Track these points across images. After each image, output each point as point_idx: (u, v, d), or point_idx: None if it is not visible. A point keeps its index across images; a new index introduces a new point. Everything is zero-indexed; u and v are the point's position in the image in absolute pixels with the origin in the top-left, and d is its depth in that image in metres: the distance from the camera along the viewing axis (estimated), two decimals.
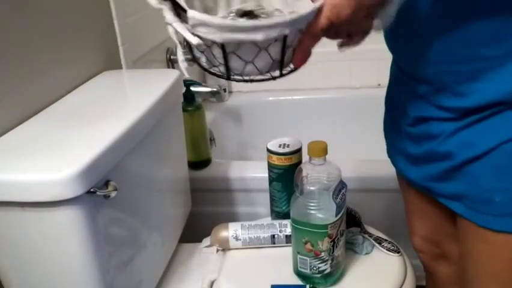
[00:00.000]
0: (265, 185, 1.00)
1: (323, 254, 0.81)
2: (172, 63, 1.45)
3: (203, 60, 0.56)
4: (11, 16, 0.76)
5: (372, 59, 1.74)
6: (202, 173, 1.32)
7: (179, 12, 0.52)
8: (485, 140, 0.64)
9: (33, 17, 0.82)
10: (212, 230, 1.00)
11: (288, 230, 0.94)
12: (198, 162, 1.33)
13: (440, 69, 0.65)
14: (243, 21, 0.52)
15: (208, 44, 0.53)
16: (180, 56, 0.57)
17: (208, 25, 0.50)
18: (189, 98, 1.26)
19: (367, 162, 1.30)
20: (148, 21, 1.29)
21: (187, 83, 1.30)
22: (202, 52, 0.55)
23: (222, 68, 0.55)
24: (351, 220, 0.96)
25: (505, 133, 0.62)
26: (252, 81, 0.57)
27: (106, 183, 0.67)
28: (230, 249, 0.97)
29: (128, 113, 0.78)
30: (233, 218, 1.33)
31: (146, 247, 0.85)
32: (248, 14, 0.60)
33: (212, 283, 0.92)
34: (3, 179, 0.62)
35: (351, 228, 0.95)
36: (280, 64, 0.55)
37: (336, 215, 0.79)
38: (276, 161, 0.95)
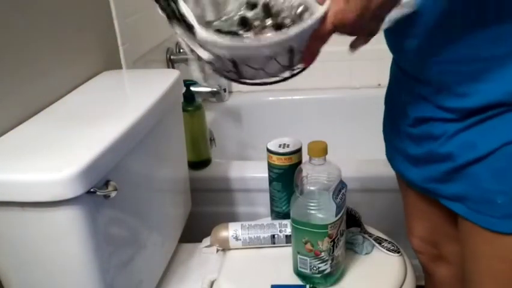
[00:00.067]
0: (265, 185, 1.00)
1: (323, 254, 0.81)
2: (172, 63, 1.45)
3: (217, 65, 0.57)
4: (11, 16, 0.76)
5: (372, 59, 1.73)
6: (202, 173, 1.32)
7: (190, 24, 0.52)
8: (487, 142, 0.64)
9: (33, 17, 0.82)
10: (212, 230, 1.00)
11: (288, 230, 0.94)
12: (198, 162, 1.33)
13: (442, 70, 0.65)
14: (248, 40, 0.53)
15: (219, 56, 0.54)
16: (195, 71, 0.59)
17: (214, 44, 0.51)
18: (189, 98, 1.26)
19: (367, 162, 1.30)
20: (148, 21, 1.29)
21: (187, 83, 1.30)
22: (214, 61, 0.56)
23: (234, 75, 0.57)
24: (351, 220, 0.96)
25: (507, 135, 0.62)
26: (264, 84, 0.58)
27: (106, 183, 0.67)
28: (230, 249, 0.97)
29: (128, 113, 0.78)
30: (233, 218, 1.33)
31: (146, 247, 0.85)
32: (256, 6, 0.60)
33: (212, 283, 0.92)
34: (3, 179, 0.62)
35: (351, 228, 0.95)
36: (290, 67, 0.57)
37: (336, 215, 0.79)
38: (276, 161, 0.95)
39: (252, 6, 0.60)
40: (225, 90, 1.78)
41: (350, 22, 0.52)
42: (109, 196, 0.68)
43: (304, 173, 0.81)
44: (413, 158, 0.77)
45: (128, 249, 0.78)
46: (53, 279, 0.69)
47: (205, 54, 0.53)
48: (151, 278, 0.89)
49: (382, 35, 0.75)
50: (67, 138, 0.71)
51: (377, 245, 0.93)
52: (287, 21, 0.57)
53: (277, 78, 0.58)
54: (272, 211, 1.02)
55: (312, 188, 0.81)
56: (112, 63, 1.09)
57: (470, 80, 0.63)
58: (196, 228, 1.09)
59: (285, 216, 0.98)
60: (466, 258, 0.74)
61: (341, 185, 0.82)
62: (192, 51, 0.55)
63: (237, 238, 0.95)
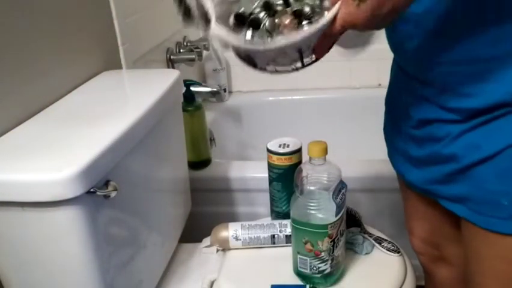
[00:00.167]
0: (265, 185, 1.00)
1: (323, 254, 0.81)
2: (172, 63, 1.45)
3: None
4: (11, 16, 0.76)
5: (372, 59, 1.73)
6: (202, 173, 1.32)
7: None
8: (492, 143, 0.63)
9: (33, 17, 0.82)
10: (212, 230, 1.00)
11: (288, 230, 0.94)
12: (198, 162, 1.33)
13: (445, 70, 0.65)
14: (256, 43, 0.55)
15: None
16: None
17: (225, 42, 0.54)
18: (189, 98, 1.26)
19: (367, 162, 1.30)
20: (148, 21, 1.29)
21: (187, 83, 1.30)
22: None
23: (249, 63, 0.59)
24: (351, 220, 0.96)
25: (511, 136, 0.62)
26: (276, 72, 0.60)
27: (106, 183, 0.67)
28: (230, 249, 0.97)
29: (128, 113, 0.78)
30: (233, 218, 1.33)
31: (146, 247, 0.85)
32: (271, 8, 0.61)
33: (212, 283, 0.92)
34: (3, 179, 0.62)
35: (351, 228, 0.95)
36: (301, 60, 0.58)
37: (336, 215, 0.79)
38: (276, 161, 0.95)
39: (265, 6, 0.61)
40: (225, 90, 1.79)
41: (360, 24, 0.51)
42: (109, 196, 0.68)
43: (304, 173, 0.81)
44: (414, 160, 0.76)
45: (128, 249, 0.78)
46: (53, 279, 0.69)
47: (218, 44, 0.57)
48: (151, 278, 0.89)
49: (383, 35, 0.75)
50: (67, 138, 0.71)
51: (377, 245, 0.93)
52: (307, 9, 0.57)
53: (289, 68, 0.60)
54: (272, 211, 1.02)
55: (312, 188, 0.81)
56: (112, 63, 1.09)
57: (474, 80, 0.63)
58: (196, 228, 1.09)
59: (285, 216, 0.98)
60: (468, 259, 0.73)
61: (341, 185, 0.82)
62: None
63: (237, 238, 0.95)
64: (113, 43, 1.10)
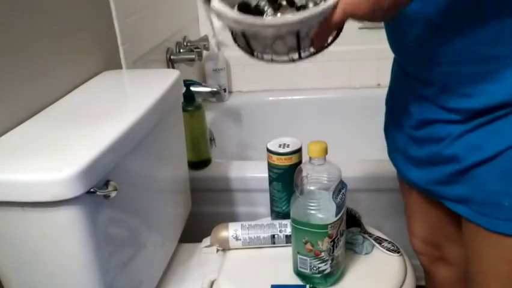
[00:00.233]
0: (265, 185, 1.00)
1: (323, 254, 0.81)
2: (172, 63, 1.45)
3: (233, 37, 0.60)
4: (11, 16, 0.76)
5: (372, 59, 1.74)
6: (202, 173, 1.32)
7: None
8: (493, 144, 0.63)
9: (33, 17, 0.82)
10: (212, 230, 1.00)
11: (288, 230, 0.94)
12: (198, 162, 1.33)
13: (447, 71, 0.65)
14: (254, 18, 0.54)
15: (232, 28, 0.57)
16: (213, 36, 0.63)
17: (225, 16, 0.54)
18: (189, 98, 1.26)
19: (367, 162, 1.30)
20: (148, 21, 1.29)
21: (187, 83, 1.30)
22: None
23: (247, 49, 0.59)
24: (351, 220, 0.96)
25: None
26: (273, 61, 0.60)
27: (106, 183, 0.67)
28: (230, 249, 0.97)
29: (128, 113, 0.78)
30: (233, 218, 1.33)
31: (146, 247, 0.85)
32: (276, 2, 0.61)
33: (212, 283, 0.92)
34: (3, 179, 0.62)
35: (351, 228, 0.95)
36: (298, 50, 0.57)
37: (336, 215, 0.79)
38: (276, 161, 0.95)
39: None
40: (225, 90, 1.79)
41: (361, 15, 0.51)
42: (109, 196, 0.68)
43: (304, 173, 0.81)
44: (415, 160, 0.76)
45: (128, 249, 0.78)
46: (53, 279, 0.69)
47: (218, 24, 0.56)
48: (151, 278, 0.89)
49: (383, 35, 0.75)
50: (67, 138, 0.71)
51: (377, 245, 0.93)
52: (310, 5, 0.58)
53: (286, 58, 0.59)
54: (272, 211, 1.02)
55: (312, 188, 0.81)
56: (112, 63, 1.09)
57: (475, 80, 0.63)
58: (196, 228, 1.09)
59: (285, 216, 0.98)
60: (470, 260, 0.73)
61: (341, 185, 0.82)
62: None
63: (237, 238, 0.95)
64: (113, 43, 1.10)
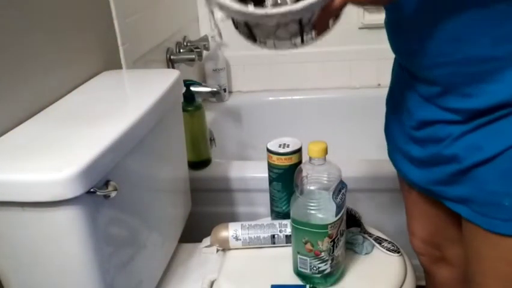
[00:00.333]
0: (265, 185, 1.00)
1: (323, 254, 0.81)
2: (172, 63, 1.45)
3: (236, 26, 0.61)
4: (11, 16, 0.76)
5: (372, 59, 1.74)
6: (202, 173, 1.32)
7: None
8: (493, 144, 0.63)
9: (33, 17, 0.82)
10: (212, 230, 1.00)
11: (288, 230, 0.94)
12: (198, 162, 1.33)
13: (447, 71, 0.65)
14: (255, 9, 0.55)
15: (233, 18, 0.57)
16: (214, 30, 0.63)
17: (227, 8, 0.54)
18: (189, 98, 1.26)
19: (367, 162, 1.30)
20: (148, 21, 1.29)
21: (187, 83, 1.30)
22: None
23: (250, 37, 0.60)
24: (351, 220, 0.96)
25: None
26: (275, 47, 0.60)
27: (106, 183, 0.67)
28: (230, 249, 0.97)
29: (128, 113, 0.78)
30: (233, 218, 1.33)
31: (146, 247, 0.85)
32: None
33: (212, 283, 0.92)
34: (3, 179, 0.62)
35: (351, 228, 0.95)
36: (301, 36, 0.58)
37: (336, 215, 0.79)
38: (276, 161, 0.95)
39: None
40: (225, 90, 1.79)
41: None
42: (109, 196, 0.68)
43: (304, 173, 0.81)
44: (416, 160, 0.76)
45: (128, 249, 0.78)
46: (53, 279, 0.69)
47: (220, 15, 0.57)
48: (151, 278, 0.89)
49: (384, 35, 0.75)
50: (67, 138, 0.71)
51: (377, 245, 0.93)
52: None
53: (288, 44, 0.60)
54: (272, 211, 1.02)
55: (312, 188, 0.81)
56: (112, 63, 1.09)
57: (475, 80, 0.63)
58: (196, 228, 1.09)
59: (285, 216, 0.98)
60: (470, 260, 0.73)
61: (341, 185, 0.82)
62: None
63: (237, 238, 0.95)
64: (113, 43, 1.10)
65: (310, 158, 0.81)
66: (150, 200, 0.87)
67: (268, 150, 0.96)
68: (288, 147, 0.95)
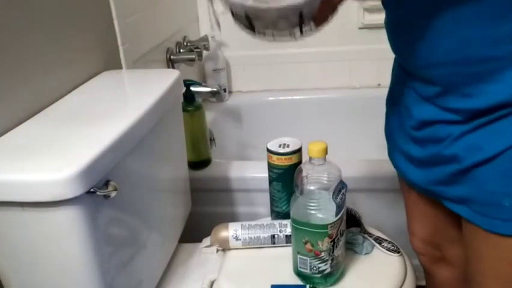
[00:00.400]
0: (265, 185, 1.00)
1: (323, 254, 0.81)
2: (172, 63, 1.45)
3: (235, 18, 0.61)
4: (11, 16, 0.76)
5: (372, 59, 1.74)
6: (202, 173, 1.32)
7: None
8: (493, 144, 0.63)
9: (33, 17, 0.82)
10: (212, 230, 1.00)
11: (288, 230, 0.94)
12: (198, 162, 1.33)
13: (447, 71, 0.65)
14: (258, 3, 0.55)
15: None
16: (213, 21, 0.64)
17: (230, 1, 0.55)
18: (189, 98, 1.26)
19: (367, 162, 1.30)
20: (148, 21, 1.29)
21: (187, 83, 1.30)
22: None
23: (249, 28, 0.60)
24: (351, 220, 0.96)
25: None
26: (274, 39, 0.61)
27: (106, 183, 0.67)
28: (230, 249, 0.97)
29: (128, 113, 0.78)
30: (233, 218, 1.33)
31: (146, 247, 0.85)
32: None
33: (212, 283, 0.92)
34: (3, 179, 0.62)
35: (351, 228, 0.95)
36: (300, 27, 0.58)
37: (336, 215, 0.79)
38: (276, 161, 0.95)
39: None
40: (225, 90, 1.79)
41: None
42: (109, 196, 0.68)
43: (304, 173, 0.81)
44: (416, 160, 0.76)
45: (128, 249, 0.78)
46: (52, 279, 0.69)
47: (220, 8, 0.57)
48: (151, 278, 0.89)
49: (384, 36, 0.75)
50: (67, 138, 0.71)
51: (377, 245, 0.93)
52: None
53: (288, 35, 0.60)
54: (272, 211, 1.02)
55: (312, 188, 0.81)
56: (112, 63, 1.09)
57: (475, 80, 0.63)
58: (196, 228, 1.09)
59: (285, 216, 0.98)
60: (470, 260, 0.73)
61: (341, 185, 0.82)
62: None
63: (237, 238, 0.95)
64: (113, 43, 1.10)
65: (310, 158, 0.81)
66: (150, 200, 0.87)
67: (268, 150, 0.96)
68: (288, 147, 0.96)
